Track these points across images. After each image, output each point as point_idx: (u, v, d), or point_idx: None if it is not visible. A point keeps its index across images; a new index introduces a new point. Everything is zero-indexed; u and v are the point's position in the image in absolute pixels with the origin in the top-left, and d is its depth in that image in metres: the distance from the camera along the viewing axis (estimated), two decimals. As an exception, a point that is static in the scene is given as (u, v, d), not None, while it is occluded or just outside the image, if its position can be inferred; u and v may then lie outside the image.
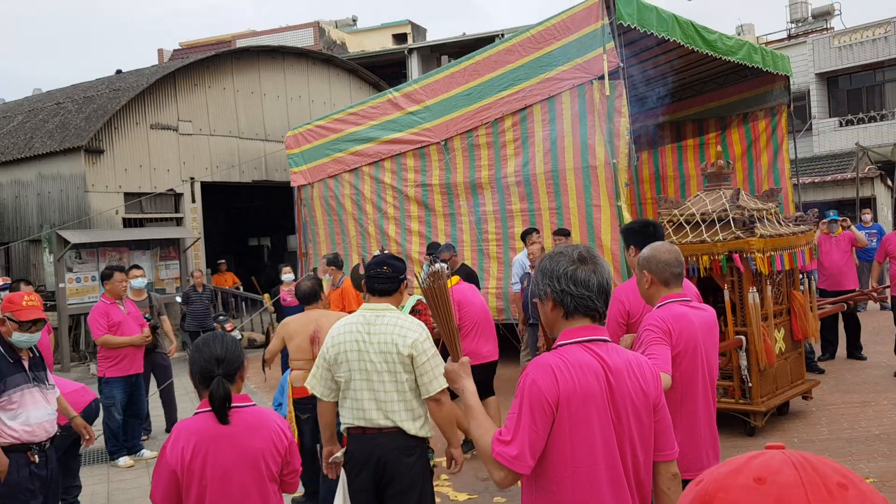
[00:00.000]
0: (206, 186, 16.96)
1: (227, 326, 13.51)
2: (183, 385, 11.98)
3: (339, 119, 12.44)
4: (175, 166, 16.29)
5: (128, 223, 15.51)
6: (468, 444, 6.73)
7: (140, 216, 15.76)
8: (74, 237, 14.07)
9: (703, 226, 6.80)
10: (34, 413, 4.26)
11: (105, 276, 7.72)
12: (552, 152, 9.76)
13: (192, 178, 16.51)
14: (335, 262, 8.71)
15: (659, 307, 3.35)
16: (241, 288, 17.40)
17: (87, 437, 4.90)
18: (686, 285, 4.05)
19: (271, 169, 17.73)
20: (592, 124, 9.28)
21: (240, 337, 13.77)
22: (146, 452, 7.72)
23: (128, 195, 15.41)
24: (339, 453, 3.85)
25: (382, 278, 3.85)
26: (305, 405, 5.64)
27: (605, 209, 9.30)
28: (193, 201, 16.62)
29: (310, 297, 5.83)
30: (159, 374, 8.48)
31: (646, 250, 3.48)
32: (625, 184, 9.17)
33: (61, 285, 14.06)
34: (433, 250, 8.71)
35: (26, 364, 4.34)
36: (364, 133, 11.94)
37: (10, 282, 9.34)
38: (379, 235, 11.79)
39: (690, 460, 3.29)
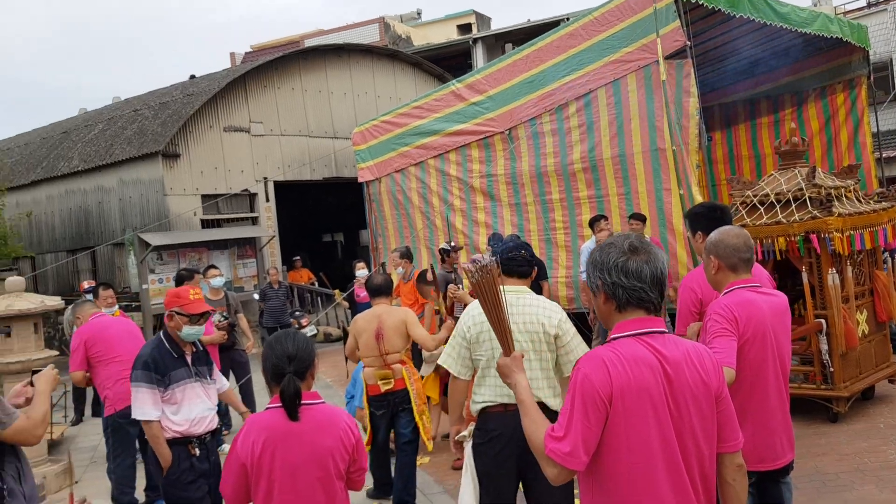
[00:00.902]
0: (278, 185, 17.31)
1: (303, 322, 13.79)
2: (261, 381, 12.19)
3: (404, 113, 12.48)
4: (248, 167, 16.67)
5: (205, 224, 15.97)
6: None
7: (217, 217, 16.20)
8: (155, 239, 14.57)
9: (777, 206, 6.56)
10: (195, 407, 4.35)
11: (178, 281, 7.91)
12: (619, 136, 9.56)
13: (265, 178, 16.88)
14: (407, 255, 8.76)
15: (726, 294, 3.25)
16: (316, 284, 17.72)
17: None
18: (756, 270, 3.90)
19: (341, 165, 17.97)
20: (660, 106, 9.05)
21: (315, 332, 14.03)
22: (226, 447, 7.93)
23: (204, 197, 15.86)
24: (465, 432, 3.88)
25: (520, 261, 4.01)
26: (380, 402, 5.70)
27: (675, 193, 9.06)
28: (267, 200, 16.99)
29: (377, 291, 5.87)
30: (237, 371, 8.71)
31: (713, 235, 3.38)
32: (696, 165, 8.92)
33: (144, 286, 14.58)
34: (495, 242, 8.66)
35: (189, 359, 4.43)
36: (428, 126, 11.95)
37: (94, 285, 9.70)
38: (446, 228, 11.80)
39: (763, 450, 3.19)
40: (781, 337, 3.23)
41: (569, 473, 2.16)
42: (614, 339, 2.25)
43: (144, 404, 4.21)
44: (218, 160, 16.21)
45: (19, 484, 3.31)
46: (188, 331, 4.39)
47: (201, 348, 4.60)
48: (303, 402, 2.86)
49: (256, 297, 14.05)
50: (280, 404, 2.85)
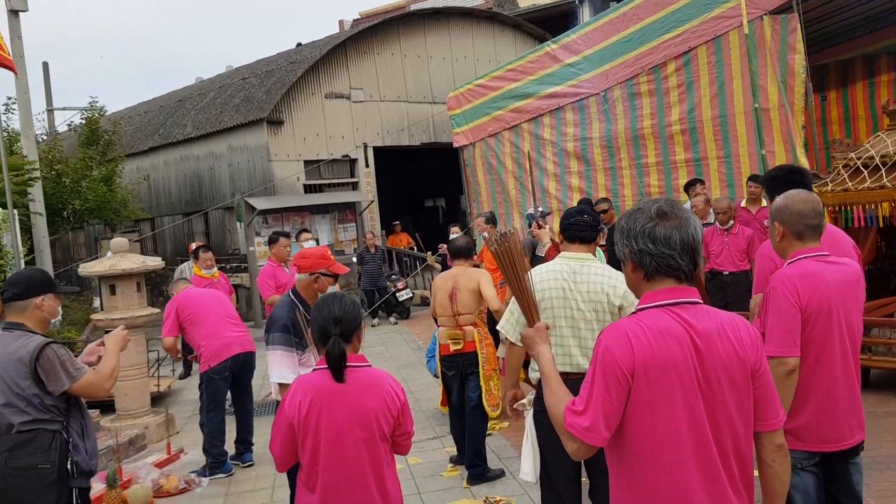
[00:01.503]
0: (378, 151, 17.54)
1: (399, 285, 14.03)
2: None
3: (498, 76, 12.34)
4: (349, 133, 16.96)
5: (308, 189, 16.40)
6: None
7: (319, 182, 16.61)
8: (260, 203, 15.10)
9: (883, 169, 6.11)
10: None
11: (271, 241, 8.22)
12: (720, 96, 9.13)
13: (364, 144, 17.13)
14: (491, 220, 8.72)
15: (790, 264, 3.05)
16: (416, 248, 17.94)
17: None
18: (836, 237, 3.66)
19: (439, 131, 18.00)
20: (764, 63, 8.57)
21: (411, 295, 14.23)
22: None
23: (307, 162, 16.27)
24: (525, 399, 3.84)
25: (583, 226, 3.86)
26: (450, 362, 5.74)
27: (779, 155, 8.60)
28: (367, 166, 17.26)
29: (457, 252, 5.88)
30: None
31: (779, 200, 3.17)
32: (801, 127, 8.42)
33: (251, 248, 15.17)
34: (585, 204, 8.46)
35: None
36: (523, 89, 11.78)
37: (201, 245, 10.11)
38: (539, 193, 11.65)
39: (827, 431, 3.00)
40: (851, 310, 3.01)
41: (589, 449, 2.09)
42: (641, 310, 2.15)
43: (283, 367, 4.04)
44: (319, 126, 16.57)
45: (82, 439, 3.52)
46: (332, 289, 4.25)
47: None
48: (348, 364, 2.89)
49: (355, 260, 14.37)
50: (326, 366, 2.90)
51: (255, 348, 6.49)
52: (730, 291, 7.51)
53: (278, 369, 4.06)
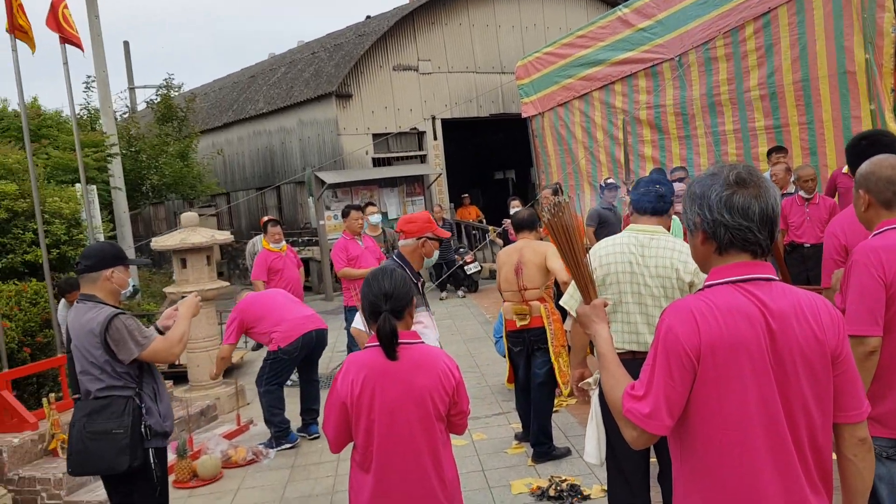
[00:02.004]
0: (446, 123, 17.40)
1: (467, 258, 13.95)
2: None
3: (568, 43, 12.03)
4: (416, 105, 16.87)
5: (376, 162, 16.42)
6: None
7: (387, 155, 16.60)
8: (329, 177, 15.19)
9: (983, 133, 5.65)
10: (428, 337, 4.00)
11: (343, 214, 8.24)
12: (801, 59, 8.66)
13: (432, 116, 17.02)
14: (558, 191, 8.53)
15: (875, 235, 2.80)
16: (485, 221, 17.80)
17: None
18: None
19: (508, 101, 17.73)
20: (849, 23, 8.07)
21: (479, 268, 14.13)
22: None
23: (375, 136, 16.27)
24: (591, 379, 3.74)
25: (654, 196, 3.65)
26: (517, 338, 5.61)
27: (865, 121, 8.12)
28: (435, 138, 17.16)
29: (521, 225, 5.72)
30: None
31: (864, 166, 2.91)
32: (890, 90, 7.91)
33: (321, 222, 15.30)
34: (659, 174, 8.17)
35: (420, 287, 4.20)
36: (593, 56, 11.44)
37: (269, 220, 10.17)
38: (610, 163, 11.35)
39: (917, 420, 2.77)
40: (947, 286, 2.75)
41: (649, 437, 1.94)
42: (709, 286, 1.98)
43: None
44: (387, 99, 16.52)
45: (155, 403, 3.67)
46: (435, 255, 4.32)
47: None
48: (400, 341, 2.81)
49: (423, 233, 14.32)
50: (378, 343, 2.82)
51: (326, 325, 6.51)
52: (811, 265, 7.14)
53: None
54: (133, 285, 12.44)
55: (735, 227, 1.95)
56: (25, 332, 7.06)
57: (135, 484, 3.60)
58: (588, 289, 2.29)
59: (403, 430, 2.80)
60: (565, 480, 4.91)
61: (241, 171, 20.01)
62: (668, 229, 3.77)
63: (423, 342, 2.93)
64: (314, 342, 6.29)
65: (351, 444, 2.89)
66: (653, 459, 3.78)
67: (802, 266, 7.20)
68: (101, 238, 11.43)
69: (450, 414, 2.90)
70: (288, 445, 6.18)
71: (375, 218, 8.96)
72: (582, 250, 2.28)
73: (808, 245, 7.24)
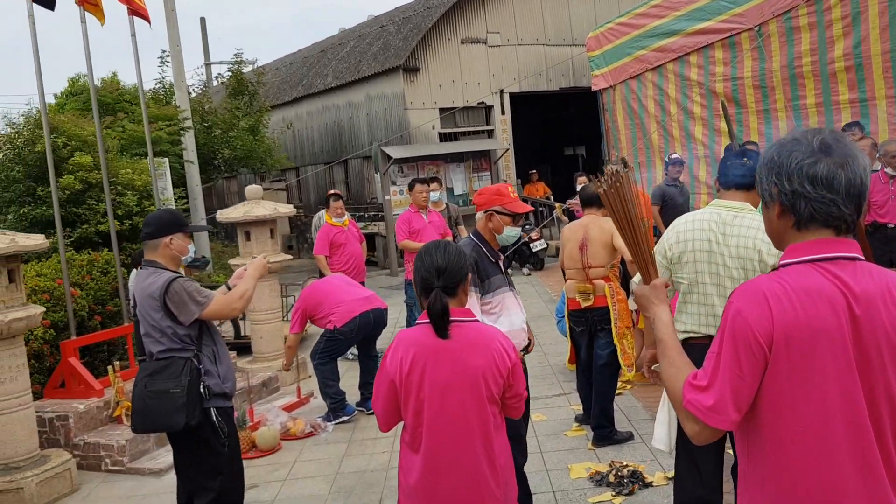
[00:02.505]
0: (514, 97, 17.12)
1: (533, 235, 13.73)
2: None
3: (642, 13, 11.59)
4: (484, 79, 16.63)
5: (443, 137, 16.29)
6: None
7: (454, 130, 16.44)
8: (396, 152, 15.14)
9: None
10: (515, 318, 3.82)
11: (409, 188, 8.21)
12: (892, 28, 8.10)
13: (500, 90, 16.76)
14: (625, 167, 8.24)
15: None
16: (552, 198, 17.51)
17: None
18: None
19: (579, 74, 17.32)
20: (949, -13, 7.50)
21: (545, 246, 13.90)
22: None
23: (442, 110, 16.12)
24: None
25: (740, 169, 3.40)
26: (579, 318, 5.43)
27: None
28: (503, 113, 16.90)
29: (588, 200, 5.49)
30: None
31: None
32: None
33: (387, 197, 15.28)
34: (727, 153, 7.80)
35: (502, 267, 3.92)
36: (668, 26, 11.00)
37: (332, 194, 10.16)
38: (684, 138, 10.94)
39: None
40: None
41: (713, 432, 1.76)
42: (785, 265, 1.79)
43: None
44: (455, 73, 16.33)
45: (214, 364, 3.74)
46: (509, 232, 3.86)
47: (508, 254, 4.34)
48: (453, 319, 2.68)
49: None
50: (429, 320, 2.69)
51: (385, 305, 6.45)
52: (895, 246, 6.73)
53: None
54: (204, 256, 12.67)
55: (818, 200, 1.74)
56: (96, 301, 7.21)
57: (198, 442, 3.69)
58: (647, 267, 2.11)
59: (454, 411, 2.67)
60: (626, 466, 4.74)
61: (310, 145, 20.15)
62: (757, 206, 3.53)
63: (477, 320, 2.80)
64: (371, 323, 6.24)
65: (402, 423, 2.79)
66: (728, 451, 3.56)
67: (886, 248, 6.78)
68: (173, 207, 11.67)
69: (505, 396, 2.76)
70: (344, 418, 6.17)
71: (435, 195, 8.84)
72: (641, 225, 2.10)
73: (892, 226, 6.81)
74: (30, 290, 6.71)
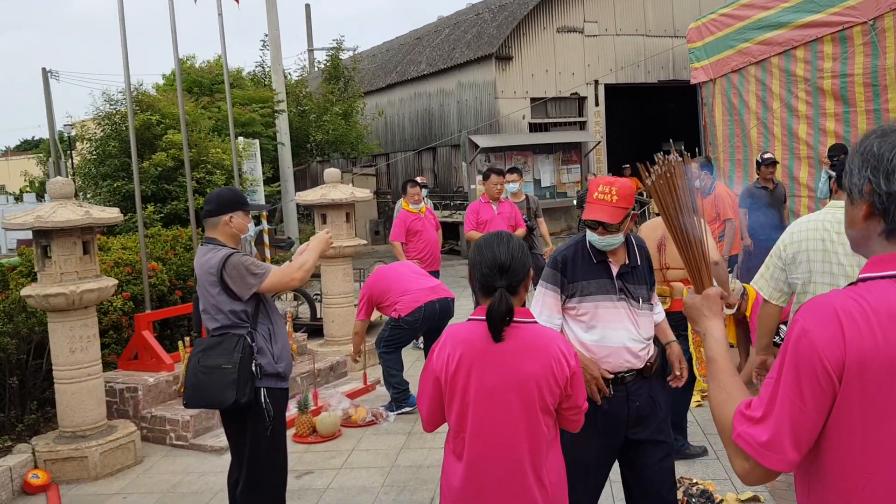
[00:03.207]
0: (610, 89, 16.65)
1: (621, 232, 13.32)
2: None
3: (747, 4, 10.97)
4: (579, 69, 16.22)
5: (533, 127, 15.99)
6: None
7: (544, 121, 16.12)
8: (483, 141, 14.95)
9: None
10: (614, 334, 3.18)
11: (484, 177, 7.99)
12: None
13: (595, 81, 16.31)
14: (707, 166, 7.79)
15: None
16: (645, 195, 16.97)
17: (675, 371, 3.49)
18: None
19: (679, 68, 16.67)
20: None
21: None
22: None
23: (533, 100, 15.82)
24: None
25: None
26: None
27: None
28: (597, 104, 16.46)
29: None
30: (535, 275, 8.58)
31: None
32: None
33: (472, 187, 15.12)
34: (835, 153, 7.28)
35: (614, 270, 3.23)
36: (774, 18, 10.37)
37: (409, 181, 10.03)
38: (786, 137, 10.32)
39: None
40: None
41: (764, 473, 1.49)
42: (865, 279, 1.52)
43: (537, 304, 3.27)
44: (549, 62, 15.99)
45: (269, 343, 3.66)
46: (591, 236, 3.20)
47: (641, 262, 3.31)
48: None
49: (575, 203, 13.83)
50: (484, 317, 2.45)
51: (452, 295, 6.28)
52: None
53: (535, 305, 3.28)
54: (289, 238, 12.86)
55: None
56: (178, 276, 7.34)
57: (247, 422, 3.61)
58: (700, 274, 1.84)
59: (501, 419, 2.45)
60: (696, 484, 4.43)
61: (401, 132, 20.20)
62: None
63: (535, 321, 2.57)
64: (437, 313, 6.07)
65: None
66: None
67: None
68: (261, 190, 11.86)
69: (562, 408, 2.52)
70: (407, 409, 6.06)
71: (513, 187, 8.59)
72: (693, 220, 1.82)
73: None
74: (113, 262, 6.91)
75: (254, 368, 3.55)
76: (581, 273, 3.22)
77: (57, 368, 5.12)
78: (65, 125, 29.28)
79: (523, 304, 2.58)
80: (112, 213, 5.23)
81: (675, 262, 4.98)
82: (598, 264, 3.24)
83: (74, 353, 5.09)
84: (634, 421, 3.22)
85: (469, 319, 2.57)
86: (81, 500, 4.77)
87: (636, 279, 3.28)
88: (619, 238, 3.20)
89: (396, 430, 5.72)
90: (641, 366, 3.22)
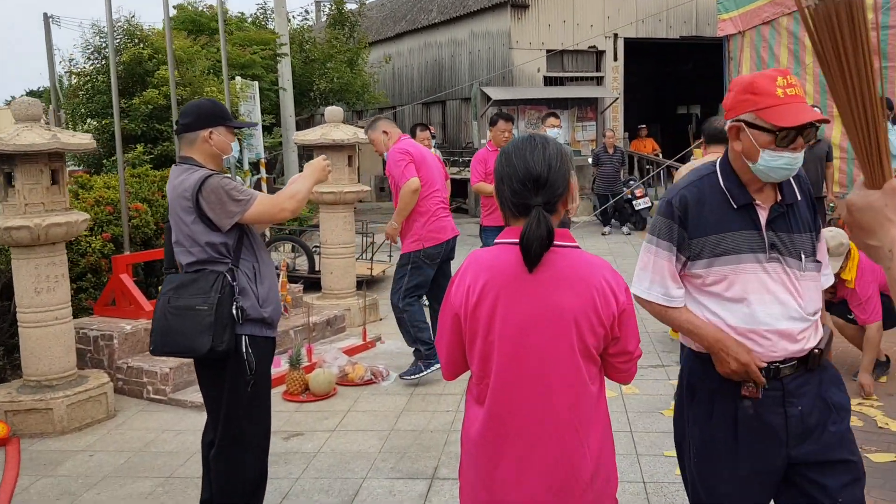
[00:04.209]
0: (629, 43, 15.90)
1: (637, 192, 12.73)
2: (584, 248, 11.53)
3: (784, -51, 10.25)
4: (598, 21, 15.46)
5: (548, 81, 15.30)
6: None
7: (560, 74, 15.43)
8: (496, 94, 14.29)
9: None
10: (766, 310, 2.19)
11: (491, 122, 7.35)
12: None
13: (615, 34, 15.57)
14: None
15: None
16: (661, 155, 16.32)
17: None
18: None
19: (702, 23, 15.91)
20: None
21: (649, 204, 12.88)
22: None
23: (549, 52, 15.10)
24: None
25: None
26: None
27: None
28: (615, 59, 15.74)
29: (714, 136, 4.52)
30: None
31: None
32: None
33: (483, 141, 14.47)
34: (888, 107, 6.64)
35: (763, 216, 2.20)
36: (814, -36, 9.66)
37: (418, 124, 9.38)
38: (818, 94, 9.69)
39: None
40: None
41: None
42: None
43: (644, 271, 2.31)
44: (567, 13, 15.24)
45: (254, 283, 3.10)
46: (771, 160, 2.11)
47: (798, 197, 2.26)
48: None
49: (590, 161, 13.21)
50: (514, 241, 1.94)
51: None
52: None
53: (640, 274, 2.33)
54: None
55: None
56: (164, 219, 6.80)
57: (224, 374, 3.05)
58: (878, 160, 1.24)
59: (532, 363, 1.95)
60: None
61: (409, 84, 19.49)
62: None
63: (577, 246, 2.01)
64: (450, 251, 5.55)
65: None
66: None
67: None
68: (259, 135, 11.25)
69: (607, 353, 2.01)
70: (437, 366, 5.26)
71: (554, 132, 7.98)
72: (871, 87, 1.23)
73: None
74: (94, 200, 6.36)
75: (234, 311, 2.98)
76: (712, 223, 2.20)
77: (21, 310, 4.59)
78: (64, 71, 28.60)
79: (562, 225, 2.03)
80: (83, 140, 4.64)
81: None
82: (738, 210, 2.20)
83: (40, 293, 4.55)
84: (797, 433, 2.19)
85: (496, 243, 2.02)
86: (43, 457, 4.27)
87: (795, 224, 2.23)
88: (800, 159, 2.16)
89: (397, 391, 5.20)
90: (804, 353, 2.22)
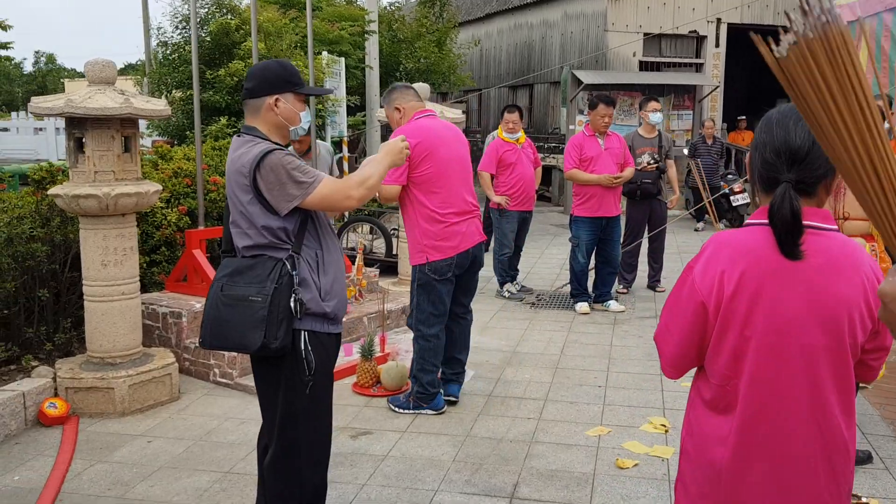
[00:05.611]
0: (733, 29, 14.99)
1: (735, 188, 11.98)
2: (676, 244, 10.96)
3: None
4: (700, 5, 14.62)
5: (644, 66, 14.58)
6: None
7: (657, 59, 14.67)
8: (588, 77, 13.67)
9: None
10: None
11: (591, 105, 6.88)
12: None
13: (717, 19, 14.70)
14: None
15: None
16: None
17: None
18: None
19: (815, 9, 14.86)
20: None
21: (748, 200, 12.09)
22: (613, 304, 6.91)
23: (647, 35, 14.38)
24: None
25: None
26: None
27: None
28: (717, 45, 14.87)
29: None
30: (654, 223, 7.51)
31: None
32: None
33: (571, 127, 13.91)
34: None
35: None
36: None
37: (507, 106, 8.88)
38: None
39: None
40: None
41: None
42: None
43: None
44: (668, -6, 14.46)
45: (315, 274, 2.71)
46: None
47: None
48: (808, 223, 1.67)
49: (686, 152, 12.50)
50: (763, 221, 1.71)
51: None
52: None
53: None
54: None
55: None
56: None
57: (280, 374, 2.69)
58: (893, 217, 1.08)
59: (797, 364, 1.69)
60: (860, 498, 3.41)
61: (497, 66, 18.99)
62: None
63: (836, 229, 1.74)
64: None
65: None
66: None
67: None
68: (343, 111, 11.01)
69: (865, 349, 1.74)
70: (429, 412, 4.44)
71: (656, 116, 7.47)
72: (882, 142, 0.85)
73: None
74: (172, 171, 6.18)
75: (292, 304, 2.61)
76: None
77: (87, 283, 4.40)
78: (157, 44, 29.13)
79: (822, 206, 1.76)
80: (157, 106, 4.39)
81: (856, 211, 3.91)
82: None
83: (107, 266, 4.34)
84: None
85: (747, 224, 1.77)
86: (100, 440, 4.06)
87: None
88: None
89: (473, 391, 4.81)
90: None
